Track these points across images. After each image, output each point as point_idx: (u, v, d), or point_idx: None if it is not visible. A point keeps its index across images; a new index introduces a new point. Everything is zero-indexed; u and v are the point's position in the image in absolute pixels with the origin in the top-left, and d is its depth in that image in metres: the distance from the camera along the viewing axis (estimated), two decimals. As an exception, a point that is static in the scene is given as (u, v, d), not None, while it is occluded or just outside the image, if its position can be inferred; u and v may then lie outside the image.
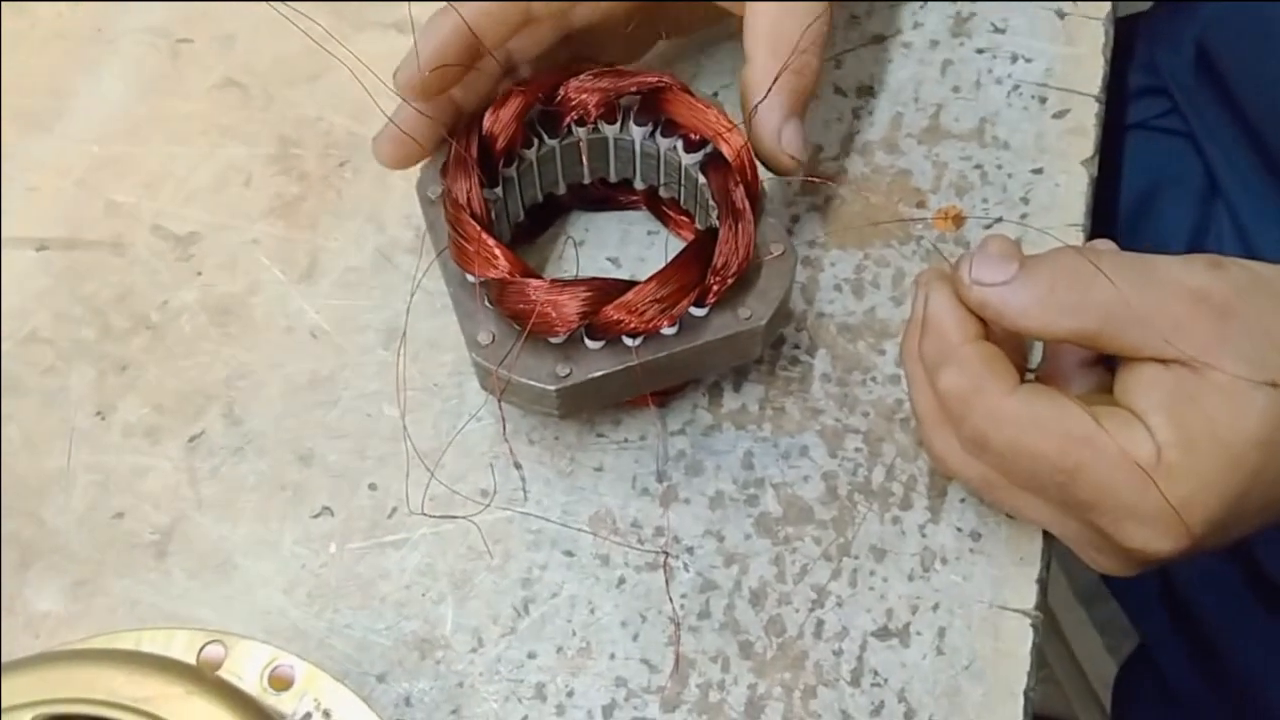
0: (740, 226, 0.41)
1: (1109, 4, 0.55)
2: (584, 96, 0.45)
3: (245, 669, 0.34)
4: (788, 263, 0.42)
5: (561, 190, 0.48)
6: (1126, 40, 0.63)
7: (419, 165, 0.45)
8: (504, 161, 0.44)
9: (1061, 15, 0.55)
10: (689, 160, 0.44)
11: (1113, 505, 0.36)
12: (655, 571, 0.43)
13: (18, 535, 0.44)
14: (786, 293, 0.42)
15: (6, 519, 0.44)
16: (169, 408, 0.46)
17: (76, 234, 0.50)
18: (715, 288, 0.41)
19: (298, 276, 0.49)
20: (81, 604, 0.43)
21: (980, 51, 0.54)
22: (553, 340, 0.40)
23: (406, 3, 0.41)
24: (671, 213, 0.48)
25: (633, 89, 0.45)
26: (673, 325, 0.40)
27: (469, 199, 0.42)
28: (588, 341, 0.40)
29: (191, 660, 0.34)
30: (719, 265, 0.40)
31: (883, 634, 0.42)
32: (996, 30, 0.54)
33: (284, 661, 0.34)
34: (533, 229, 0.49)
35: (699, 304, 0.41)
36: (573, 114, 0.45)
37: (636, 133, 0.45)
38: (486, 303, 0.41)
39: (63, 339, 0.48)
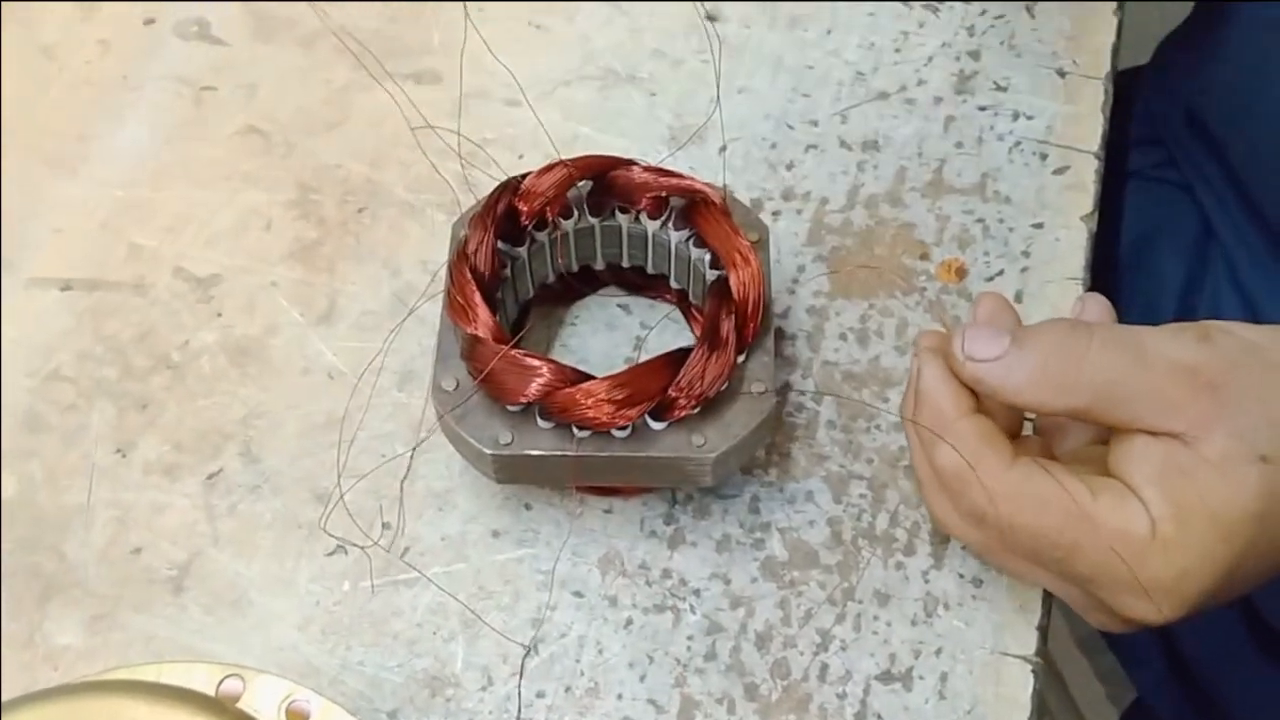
0: (715, 355, 0.41)
1: (1109, 63, 0.57)
2: (630, 187, 0.45)
3: (263, 703, 0.35)
4: (764, 405, 0.42)
5: (600, 266, 0.48)
6: (1128, 89, 0.65)
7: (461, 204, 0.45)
8: (537, 225, 0.45)
9: (1062, 74, 0.56)
10: (710, 275, 0.44)
11: (1110, 580, 0.36)
12: (663, 613, 0.44)
13: (39, 569, 0.45)
14: (752, 433, 0.41)
15: (29, 553, 0.45)
16: (188, 446, 0.47)
17: (100, 275, 0.51)
18: (680, 405, 0.40)
19: (315, 319, 0.50)
20: (100, 638, 0.43)
21: (983, 108, 0.55)
22: (510, 408, 0.41)
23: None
24: (699, 318, 0.47)
25: (675, 192, 0.45)
26: (625, 428, 0.40)
27: (476, 251, 0.43)
28: (539, 420, 0.41)
29: (211, 694, 0.35)
30: (681, 383, 0.40)
31: (886, 678, 0.43)
32: (999, 88, 0.56)
33: (300, 696, 0.35)
34: (563, 293, 0.50)
35: (657, 417, 0.41)
36: (618, 199, 0.45)
37: (674, 235, 0.45)
38: (461, 355, 0.42)
39: (85, 377, 0.49)
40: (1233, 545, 0.35)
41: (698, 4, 0.59)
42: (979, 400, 0.39)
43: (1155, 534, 0.35)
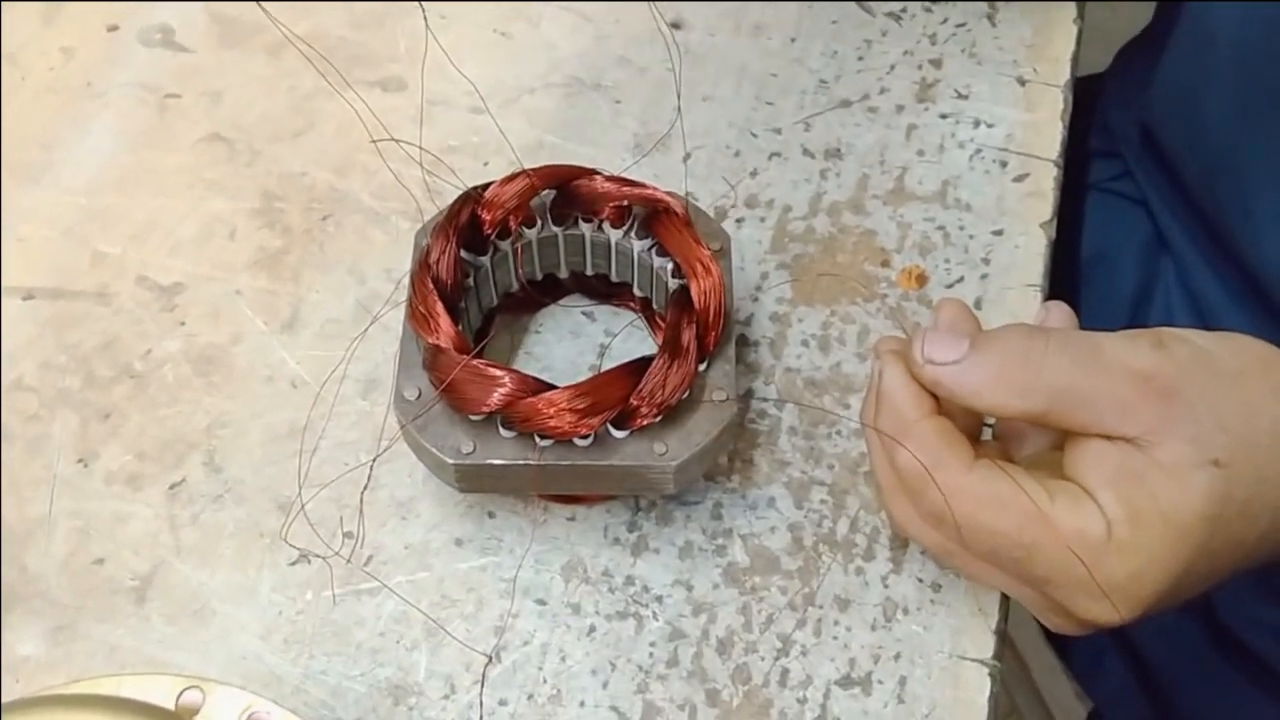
0: (676, 363, 0.41)
1: (1069, 72, 0.57)
2: (593, 196, 0.45)
3: (223, 714, 0.35)
4: (725, 412, 0.42)
5: (564, 274, 0.49)
6: (1090, 96, 0.65)
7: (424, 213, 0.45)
8: (500, 234, 0.45)
9: (1022, 82, 0.57)
10: (673, 284, 0.45)
11: (1067, 581, 0.37)
12: (625, 620, 0.44)
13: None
14: (714, 441, 0.42)
15: (-11, 565, 0.45)
16: (150, 455, 0.47)
17: (63, 284, 0.51)
18: (642, 413, 0.41)
19: (279, 327, 0.50)
20: (62, 649, 0.43)
21: (944, 116, 0.56)
22: (472, 418, 0.41)
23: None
24: (662, 326, 0.47)
25: (637, 202, 0.45)
26: (587, 437, 0.41)
27: (439, 261, 0.43)
28: (501, 429, 0.41)
29: (170, 706, 0.35)
30: (643, 392, 0.41)
31: (846, 683, 0.43)
32: (960, 96, 0.56)
33: (261, 708, 0.35)
34: (527, 301, 0.50)
35: (619, 425, 0.41)
36: (580, 209, 0.46)
37: (637, 244, 0.46)
38: (423, 364, 0.42)
39: (47, 387, 0.49)
40: (1185, 547, 0.36)
41: (655, 6, 0.59)
42: (939, 403, 0.39)
43: (1111, 536, 0.36)
